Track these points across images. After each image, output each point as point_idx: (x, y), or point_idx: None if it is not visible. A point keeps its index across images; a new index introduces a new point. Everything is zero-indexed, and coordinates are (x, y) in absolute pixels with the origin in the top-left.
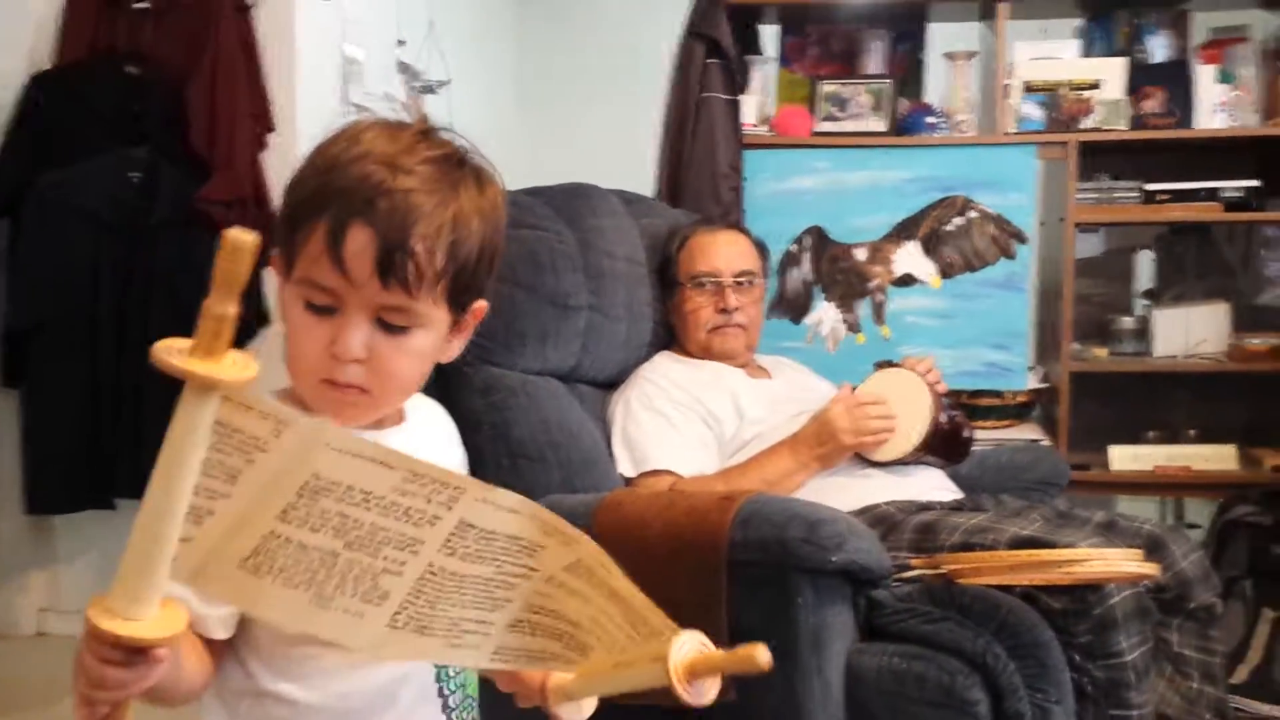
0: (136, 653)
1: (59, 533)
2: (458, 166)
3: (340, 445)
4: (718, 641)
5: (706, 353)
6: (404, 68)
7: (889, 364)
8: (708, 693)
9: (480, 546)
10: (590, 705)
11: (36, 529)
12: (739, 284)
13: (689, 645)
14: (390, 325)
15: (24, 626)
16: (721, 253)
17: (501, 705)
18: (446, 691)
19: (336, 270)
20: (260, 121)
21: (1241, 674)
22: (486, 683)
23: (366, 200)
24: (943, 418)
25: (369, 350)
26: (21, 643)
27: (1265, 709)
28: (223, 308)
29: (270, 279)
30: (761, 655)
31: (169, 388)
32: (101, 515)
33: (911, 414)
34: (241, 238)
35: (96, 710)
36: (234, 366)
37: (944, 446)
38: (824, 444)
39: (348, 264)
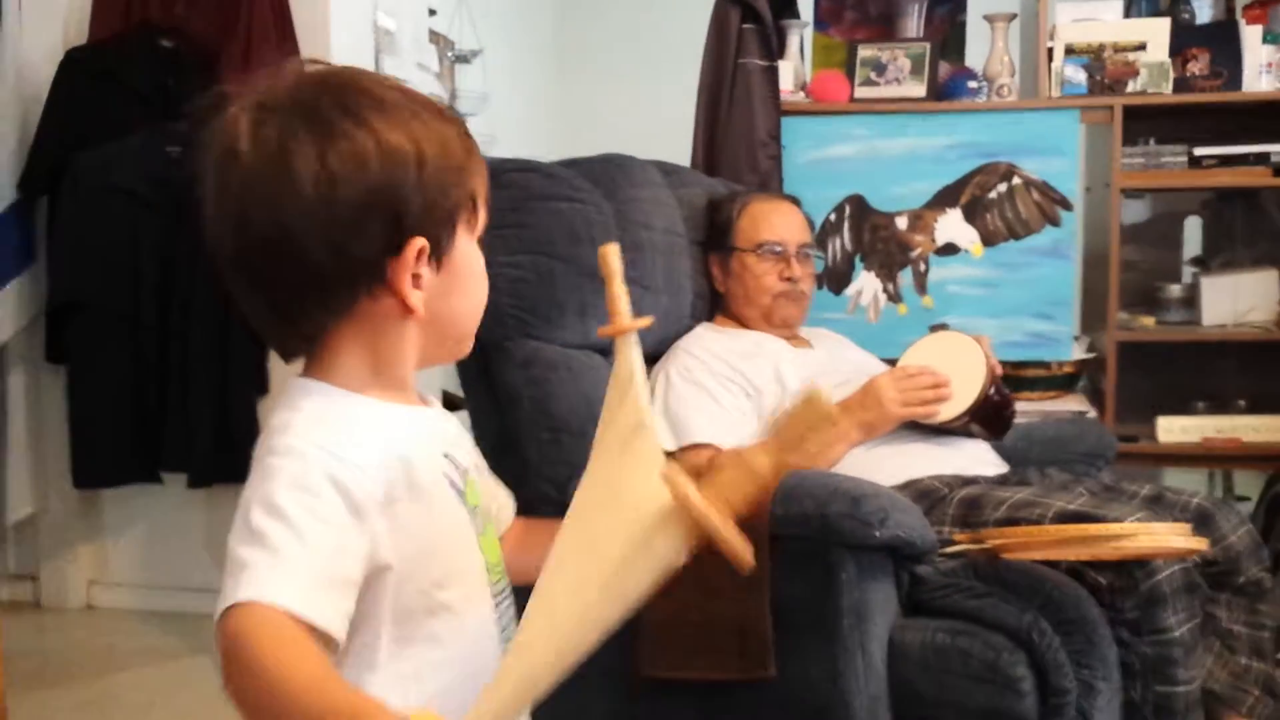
0: None
1: (106, 507)
2: None
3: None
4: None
5: (766, 320)
6: (436, 38)
7: (944, 327)
8: None
9: None
10: None
11: (85, 503)
12: (802, 255)
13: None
14: None
15: (73, 600)
16: (786, 222)
17: None
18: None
19: None
20: None
21: None
22: None
23: None
24: (992, 390)
25: None
26: (71, 615)
27: None
28: (761, 463)
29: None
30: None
31: (213, 365)
32: (148, 489)
33: (964, 380)
34: (825, 406)
35: None
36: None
37: (989, 419)
38: (868, 411)
39: None
